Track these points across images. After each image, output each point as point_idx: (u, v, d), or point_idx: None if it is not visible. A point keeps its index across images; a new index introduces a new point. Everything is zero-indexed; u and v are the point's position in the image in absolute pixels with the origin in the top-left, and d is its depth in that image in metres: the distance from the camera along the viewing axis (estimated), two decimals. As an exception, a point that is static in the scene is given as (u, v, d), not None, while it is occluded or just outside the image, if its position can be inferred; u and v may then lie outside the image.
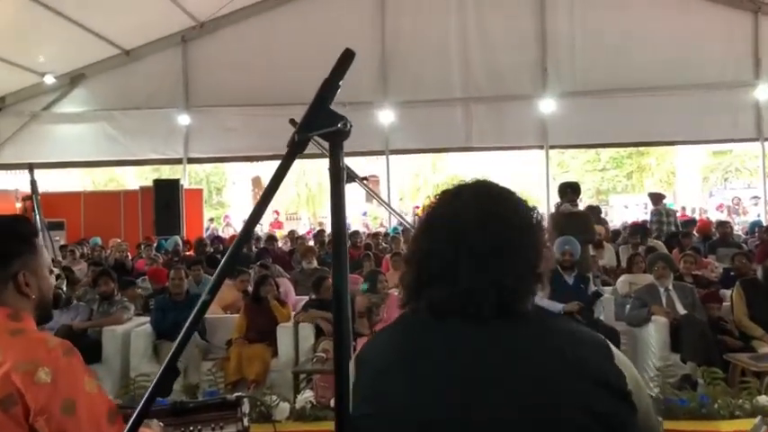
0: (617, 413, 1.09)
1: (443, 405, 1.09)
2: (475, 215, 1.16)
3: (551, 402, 1.07)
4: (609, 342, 1.17)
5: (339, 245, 1.17)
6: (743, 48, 12.85)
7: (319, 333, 5.79)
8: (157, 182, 12.90)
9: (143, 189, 13.30)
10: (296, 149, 1.09)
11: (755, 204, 16.12)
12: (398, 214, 2.29)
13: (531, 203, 1.24)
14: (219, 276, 1.19)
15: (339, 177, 1.16)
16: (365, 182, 2.49)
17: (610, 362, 1.13)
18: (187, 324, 1.19)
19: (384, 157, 13.80)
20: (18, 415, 1.42)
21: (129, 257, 10.08)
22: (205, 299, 1.15)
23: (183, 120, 13.79)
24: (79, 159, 14.52)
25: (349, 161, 1.20)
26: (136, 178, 20.32)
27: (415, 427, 1.10)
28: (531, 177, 16.51)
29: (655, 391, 3.60)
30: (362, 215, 19.45)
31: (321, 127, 1.10)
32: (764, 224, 11.75)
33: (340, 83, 1.12)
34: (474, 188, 1.24)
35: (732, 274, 6.69)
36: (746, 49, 12.86)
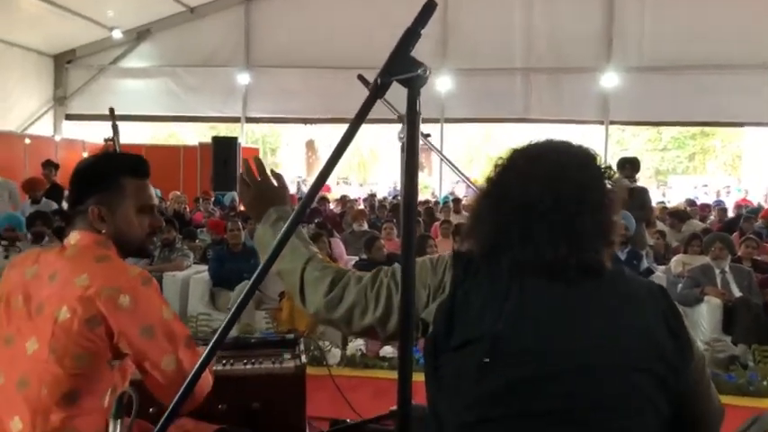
0: (681, 366, 1.19)
1: (541, 343, 1.15)
2: (550, 180, 1.22)
3: (627, 356, 1.15)
4: (665, 290, 1.26)
5: (410, 198, 1.22)
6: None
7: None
8: (216, 139, 13.21)
9: (202, 145, 13.64)
10: (377, 92, 1.16)
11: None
12: (462, 174, 2.35)
13: (602, 165, 1.28)
14: (286, 234, 1.26)
15: (415, 123, 1.21)
16: (428, 137, 2.56)
17: (676, 312, 1.22)
18: (256, 274, 1.27)
19: (438, 125, 13.74)
20: (102, 335, 1.56)
21: (188, 210, 10.44)
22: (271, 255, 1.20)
23: (243, 79, 14.03)
24: (142, 113, 14.98)
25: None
26: (194, 135, 20.81)
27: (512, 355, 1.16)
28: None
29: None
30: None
31: (402, 72, 1.16)
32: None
33: (421, 31, 1.19)
34: (548, 150, 1.29)
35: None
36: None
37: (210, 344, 1.27)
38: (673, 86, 12.40)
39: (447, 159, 2.47)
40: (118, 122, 3.37)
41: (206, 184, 12.71)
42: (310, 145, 24.02)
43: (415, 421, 1.30)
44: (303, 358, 2.38)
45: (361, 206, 11.43)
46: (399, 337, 1.18)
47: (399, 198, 1.29)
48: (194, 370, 1.24)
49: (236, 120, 14.73)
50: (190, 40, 14.13)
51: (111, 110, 3.30)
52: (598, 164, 1.28)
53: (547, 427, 1.13)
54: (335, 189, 19.57)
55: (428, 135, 2.42)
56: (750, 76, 12.11)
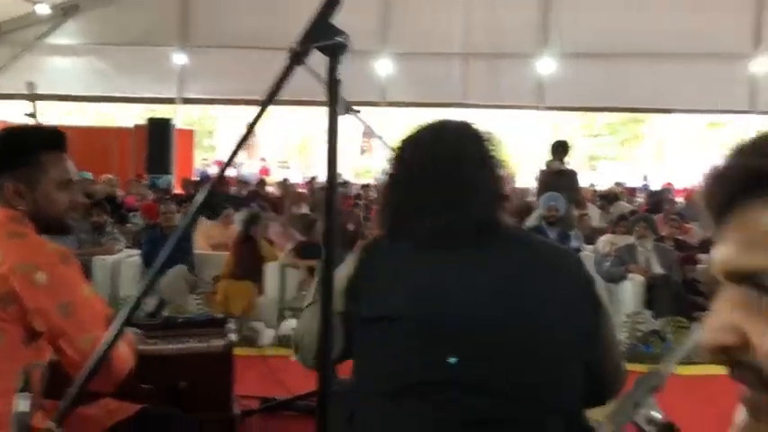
0: (592, 318, 1.25)
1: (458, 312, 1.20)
2: (438, 158, 1.29)
3: (534, 314, 1.20)
4: (577, 254, 1.31)
5: (332, 168, 1.23)
6: (743, 18, 12.80)
7: (312, 273, 5.91)
8: (152, 120, 12.83)
9: (137, 127, 13.22)
10: (296, 60, 1.16)
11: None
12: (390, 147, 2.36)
13: (485, 136, 1.35)
14: (198, 208, 1.27)
15: (336, 92, 1.22)
16: (358, 113, 2.56)
17: (585, 271, 1.29)
18: (169, 245, 1.26)
19: (380, 108, 13.75)
20: (14, 313, 1.50)
21: (120, 193, 10.12)
22: (184, 226, 1.22)
23: (180, 59, 13.64)
24: (70, 93, 14.36)
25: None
26: (125, 116, 20.10)
27: (414, 322, 1.21)
28: (526, 137, 16.52)
29: (623, 336, 3.77)
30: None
31: (322, 39, 1.16)
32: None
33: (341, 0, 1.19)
34: (427, 129, 1.36)
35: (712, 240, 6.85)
36: (747, 21, 12.81)
37: (118, 319, 1.26)
38: (605, 74, 12.81)
39: (377, 134, 2.48)
40: (43, 102, 3.23)
41: (140, 167, 12.34)
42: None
43: (340, 395, 1.34)
44: (232, 337, 2.37)
45: (302, 190, 11.36)
46: (320, 320, 1.19)
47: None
48: (101, 348, 1.23)
49: (171, 101, 14.32)
50: (122, 17, 13.60)
51: (30, 84, 3.16)
52: (476, 130, 1.35)
53: (463, 395, 1.16)
54: (276, 173, 19.32)
55: (358, 111, 2.43)
56: (678, 65, 12.63)
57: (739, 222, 0.49)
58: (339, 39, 1.17)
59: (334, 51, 1.18)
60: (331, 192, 1.26)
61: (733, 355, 0.49)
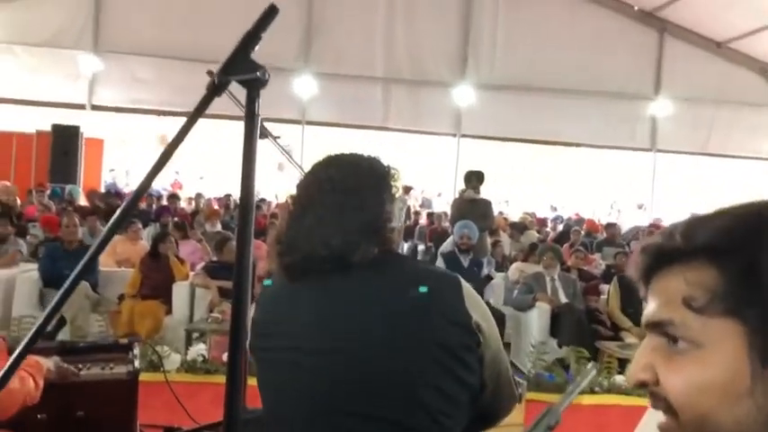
0: (465, 344, 1.25)
1: (311, 341, 1.27)
2: (312, 190, 1.33)
3: (395, 335, 1.23)
4: (461, 278, 1.33)
5: (247, 199, 1.22)
6: (647, 63, 13.76)
7: (223, 294, 5.76)
8: (56, 127, 12.17)
9: (39, 133, 12.49)
10: (214, 92, 1.14)
11: (639, 208, 17.34)
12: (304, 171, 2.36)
13: (378, 167, 1.37)
14: (112, 227, 1.22)
15: (253, 127, 1.21)
16: (277, 140, 2.55)
17: (459, 297, 1.28)
18: (77, 269, 1.21)
19: (300, 126, 13.71)
20: None
21: (18, 202, 9.52)
22: (96, 248, 1.17)
23: (90, 63, 13.05)
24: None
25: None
26: (31, 121, 18.98)
27: (290, 355, 1.29)
28: (444, 164, 16.89)
29: (528, 366, 3.90)
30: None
31: (241, 73, 1.15)
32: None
33: (262, 35, 1.18)
34: (321, 166, 1.39)
35: (612, 270, 7.23)
36: (650, 65, 13.78)
37: (19, 348, 1.18)
38: (519, 106, 13.38)
39: (294, 161, 2.47)
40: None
41: (42, 175, 11.67)
42: (163, 140, 22.79)
43: (250, 424, 1.36)
44: (136, 364, 2.27)
45: (215, 206, 11.08)
46: (229, 341, 1.18)
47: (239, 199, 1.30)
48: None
49: (80, 107, 13.65)
50: (30, 16, 12.88)
51: None
52: (366, 160, 1.38)
53: (345, 418, 1.23)
54: (190, 186, 18.74)
55: (278, 137, 2.41)
56: (586, 101, 13.37)
57: (655, 287, 0.65)
58: (258, 73, 1.17)
59: (253, 86, 1.18)
60: (245, 222, 1.24)
61: (650, 389, 0.63)
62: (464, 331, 1.25)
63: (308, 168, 1.44)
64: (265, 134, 2.31)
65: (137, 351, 2.38)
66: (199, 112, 1.16)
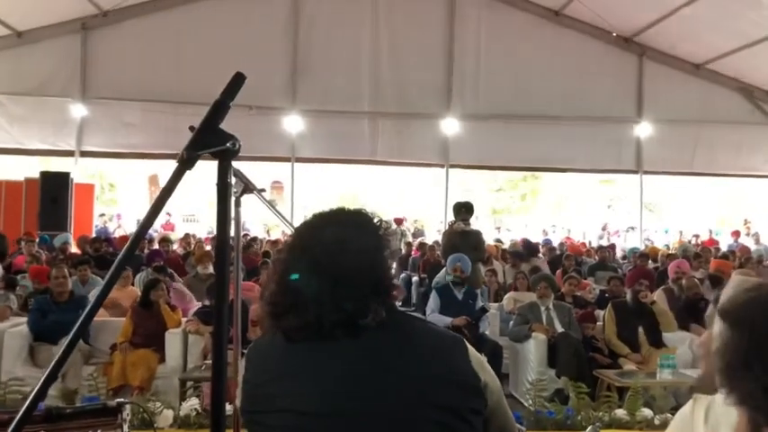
0: (472, 408, 1.26)
1: (315, 404, 1.23)
2: (317, 252, 1.28)
3: (407, 399, 1.22)
4: (463, 339, 1.34)
5: (222, 261, 1.23)
6: (628, 87, 13.96)
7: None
8: (45, 174, 12.16)
9: (28, 181, 12.48)
10: (185, 166, 1.15)
11: (627, 231, 17.40)
12: (291, 225, 2.35)
13: (377, 224, 1.36)
14: (111, 280, 1.21)
15: (226, 194, 1.22)
16: (262, 192, 2.55)
17: (466, 360, 1.29)
18: (76, 327, 1.20)
19: (290, 164, 13.76)
20: None
21: (9, 253, 9.44)
22: (95, 302, 1.17)
23: (78, 110, 13.10)
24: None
25: (255, 165, 1.28)
26: (20, 169, 18.96)
27: (291, 418, 1.24)
28: (433, 194, 16.96)
29: (528, 403, 3.86)
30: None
31: (210, 146, 1.16)
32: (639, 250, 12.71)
33: (230, 104, 1.19)
34: (318, 225, 1.35)
35: (606, 295, 7.21)
36: (631, 89, 13.98)
37: (13, 424, 1.15)
38: (505, 134, 13.49)
39: (277, 212, 2.48)
40: None
41: (32, 224, 11.60)
42: (153, 179, 22.77)
43: None
44: (125, 429, 2.22)
45: (208, 247, 11.02)
46: (211, 392, 1.25)
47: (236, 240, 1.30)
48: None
49: (69, 153, 13.67)
50: (17, 66, 12.95)
51: None
52: (365, 218, 1.36)
53: None
54: (181, 227, 18.68)
55: (262, 190, 2.42)
56: (571, 127, 13.49)
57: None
58: (228, 144, 1.17)
59: (224, 156, 1.18)
60: (220, 284, 1.24)
61: None
62: (472, 394, 1.27)
63: (297, 224, 1.41)
64: (250, 189, 2.31)
65: (126, 414, 2.33)
66: (172, 185, 1.17)
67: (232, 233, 1.50)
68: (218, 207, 1.22)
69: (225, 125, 1.19)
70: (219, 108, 1.18)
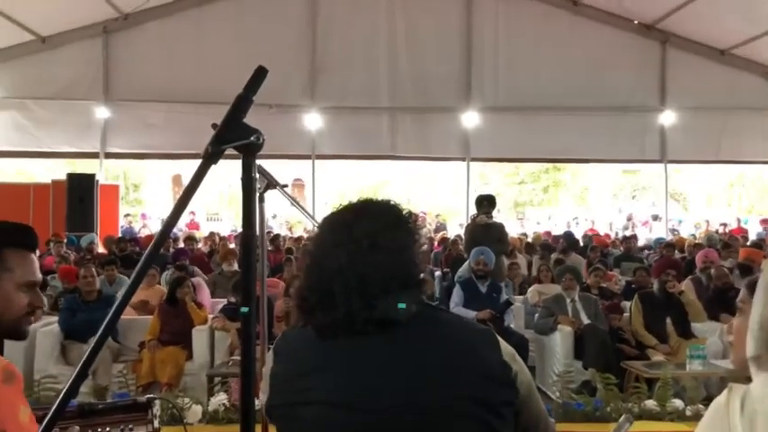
0: (504, 400, 1.25)
1: (349, 399, 1.24)
2: (350, 249, 1.27)
3: (440, 393, 1.22)
4: (492, 331, 1.33)
5: (248, 255, 1.23)
6: (651, 75, 13.74)
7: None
8: (72, 176, 12.36)
9: (55, 183, 12.70)
10: (209, 161, 1.15)
11: (654, 220, 17.17)
12: (314, 220, 2.36)
13: (407, 217, 1.34)
14: (137, 279, 1.23)
15: (251, 189, 1.22)
16: (285, 188, 2.56)
17: (495, 351, 1.28)
18: (104, 325, 1.21)
19: (310, 161, 13.81)
20: None
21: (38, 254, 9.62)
22: (122, 300, 1.18)
23: (102, 113, 13.30)
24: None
25: (276, 163, 1.28)
26: (47, 171, 19.31)
27: (322, 411, 1.24)
28: (454, 187, 16.91)
29: (555, 395, 3.83)
30: (272, 217, 18.90)
31: (234, 140, 1.16)
32: (665, 240, 12.55)
33: (253, 98, 1.19)
34: (346, 220, 1.33)
35: (633, 286, 7.12)
36: (654, 77, 13.75)
37: (44, 423, 1.17)
38: (526, 126, 13.36)
39: (301, 206, 2.48)
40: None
41: (59, 225, 11.81)
42: (177, 179, 23.02)
43: None
44: (156, 423, 2.24)
45: (232, 245, 11.11)
46: (240, 388, 1.22)
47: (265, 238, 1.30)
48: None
49: (94, 155, 13.88)
50: (42, 71, 13.18)
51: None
52: (397, 213, 1.34)
53: None
54: (205, 226, 18.88)
55: (285, 186, 2.43)
56: (593, 118, 13.32)
57: None
58: (252, 138, 1.17)
59: (248, 150, 1.18)
60: (248, 281, 1.24)
61: None
62: (504, 385, 1.26)
63: (322, 214, 1.40)
64: (273, 185, 2.31)
65: (156, 409, 2.35)
66: (198, 179, 1.17)
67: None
68: (244, 202, 1.21)
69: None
70: (242, 102, 1.18)
